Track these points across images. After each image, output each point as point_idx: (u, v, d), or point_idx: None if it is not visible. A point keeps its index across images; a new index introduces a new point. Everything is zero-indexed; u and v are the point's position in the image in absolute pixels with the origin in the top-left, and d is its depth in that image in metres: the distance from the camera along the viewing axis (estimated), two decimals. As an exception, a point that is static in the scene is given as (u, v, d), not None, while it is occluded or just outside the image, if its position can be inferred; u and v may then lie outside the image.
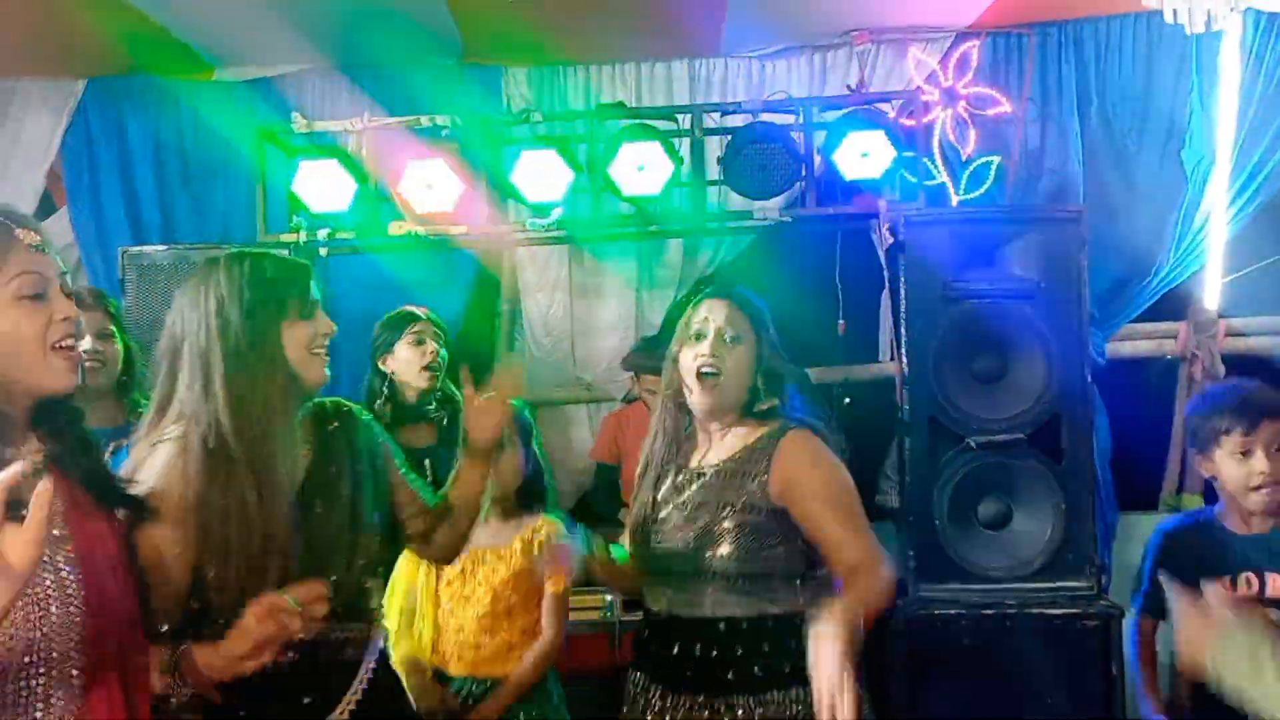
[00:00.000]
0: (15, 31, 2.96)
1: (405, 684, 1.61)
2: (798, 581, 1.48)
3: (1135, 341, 3.32)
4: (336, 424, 1.38)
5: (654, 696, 1.48)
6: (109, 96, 3.29)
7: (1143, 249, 3.06)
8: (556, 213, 2.61)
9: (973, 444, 2.36)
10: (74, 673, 1.00)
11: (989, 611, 2.32)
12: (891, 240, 2.46)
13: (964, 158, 2.82)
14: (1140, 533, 3.31)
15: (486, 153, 2.62)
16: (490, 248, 3.06)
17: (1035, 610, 2.31)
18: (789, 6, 2.96)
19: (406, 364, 2.28)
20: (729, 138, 2.60)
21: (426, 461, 2.16)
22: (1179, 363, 3.36)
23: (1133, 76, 3.07)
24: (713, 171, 2.63)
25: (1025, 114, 3.05)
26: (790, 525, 1.46)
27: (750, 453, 1.49)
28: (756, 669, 1.42)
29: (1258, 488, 1.74)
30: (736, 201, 2.75)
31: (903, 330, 2.40)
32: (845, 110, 2.59)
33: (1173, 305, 3.26)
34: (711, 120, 2.69)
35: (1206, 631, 1.17)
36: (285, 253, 2.21)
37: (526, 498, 1.98)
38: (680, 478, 1.53)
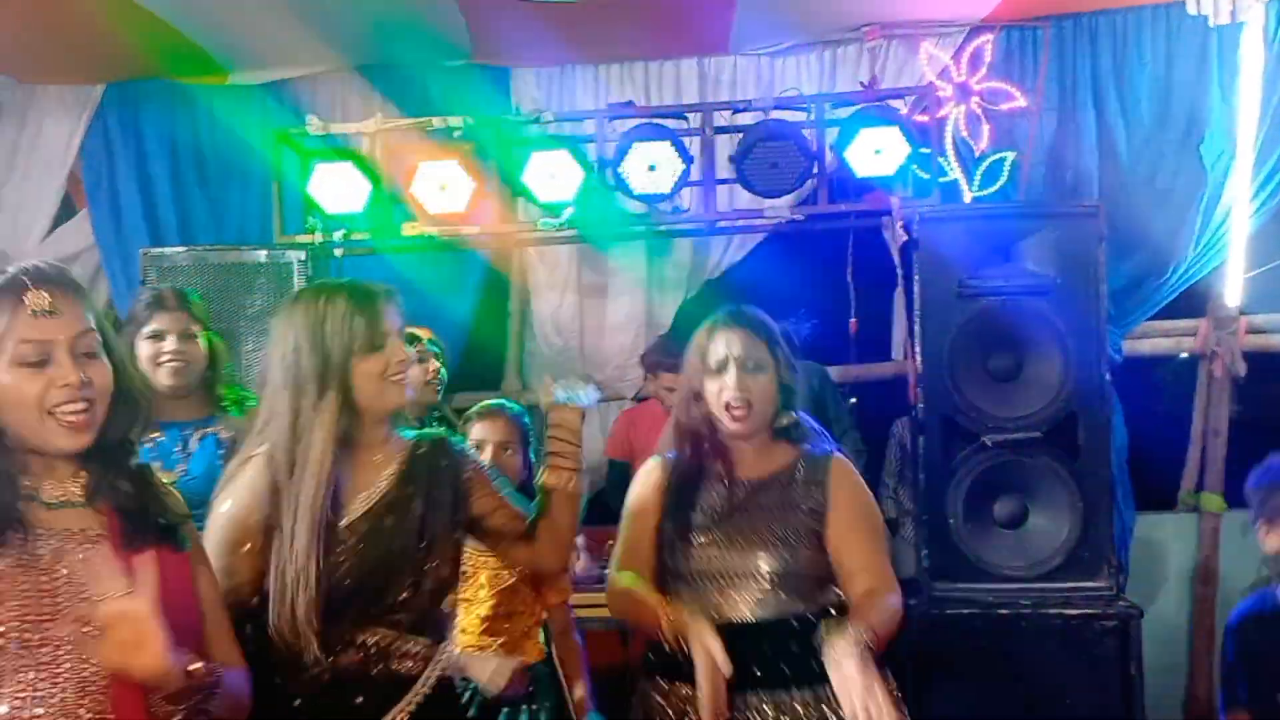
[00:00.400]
0: (35, 37, 3.01)
1: None
2: (828, 583, 1.53)
3: (1153, 339, 3.27)
4: (423, 450, 1.42)
5: (683, 691, 1.48)
6: (127, 100, 3.33)
7: (1161, 245, 3.02)
8: (567, 212, 2.62)
9: (988, 442, 2.34)
10: (92, 694, 1.02)
11: (1004, 611, 2.30)
12: (905, 237, 2.44)
13: (978, 154, 2.79)
14: (1158, 532, 3.30)
15: (498, 153, 2.63)
16: (501, 248, 3.07)
17: (1051, 610, 2.29)
18: (799, 3, 2.95)
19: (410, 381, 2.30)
20: (740, 136, 2.59)
21: None
22: (1198, 361, 3.31)
23: (1151, 69, 3.02)
24: (723, 170, 2.62)
25: (1040, 108, 3.02)
26: (823, 536, 1.52)
27: (794, 473, 1.54)
28: (786, 667, 1.46)
29: None
30: (746, 199, 2.75)
31: (916, 328, 2.39)
32: (857, 107, 2.57)
33: (1192, 302, 3.21)
34: (722, 118, 2.68)
35: None
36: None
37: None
38: (716, 493, 1.55)
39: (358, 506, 1.35)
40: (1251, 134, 2.92)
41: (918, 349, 2.39)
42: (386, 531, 1.34)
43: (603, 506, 2.60)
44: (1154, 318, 3.16)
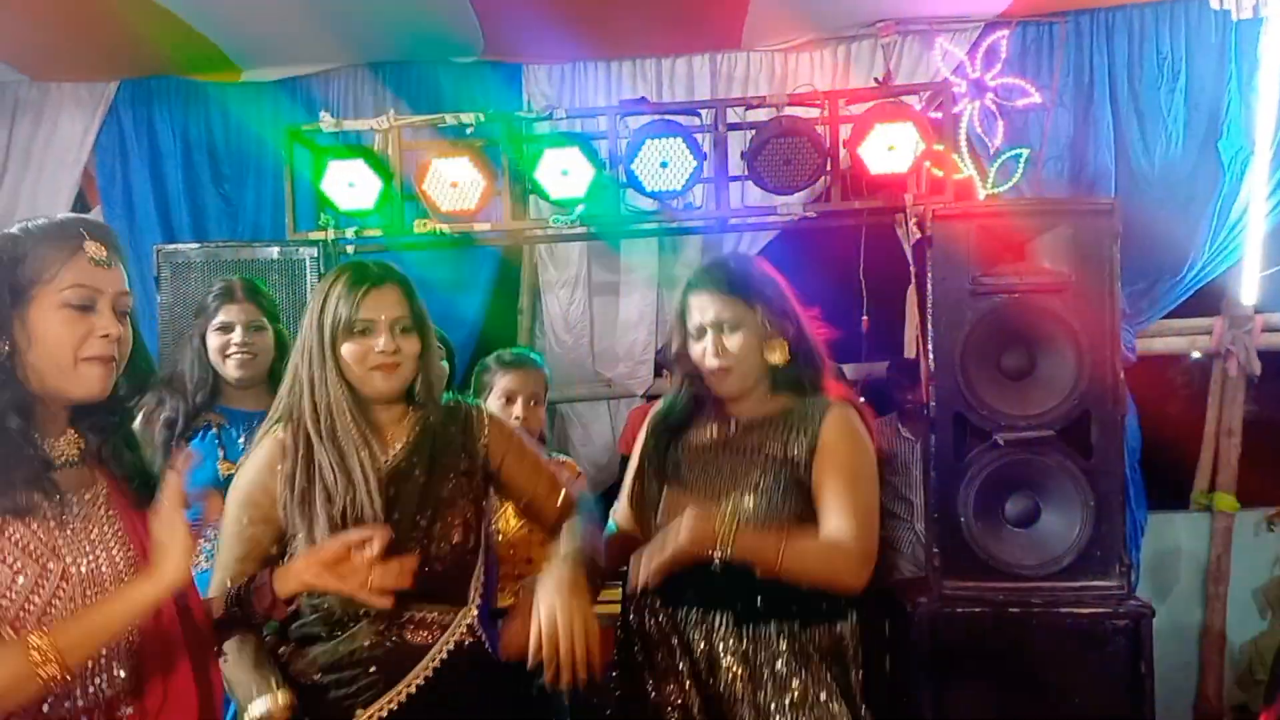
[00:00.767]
0: (49, 34, 3.03)
1: None
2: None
3: (1167, 338, 3.25)
4: (432, 419, 1.44)
5: (671, 612, 1.51)
6: (140, 98, 3.35)
7: (1177, 242, 3.00)
8: (579, 210, 2.62)
9: (1000, 441, 2.33)
10: (130, 647, 1.07)
11: (1014, 610, 2.29)
12: (918, 235, 2.43)
13: (992, 150, 2.77)
14: (1170, 531, 3.28)
15: (510, 150, 2.63)
16: (512, 244, 3.08)
17: (1062, 609, 2.29)
18: (812, -2, 2.94)
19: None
20: (752, 132, 2.58)
21: None
22: (1213, 360, 3.29)
23: (1169, 65, 2.99)
24: (736, 167, 2.61)
25: (1055, 105, 3.00)
26: (809, 485, 1.53)
27: (791, 414, 1.54)
28: (758, 604, 1.47)
29: None
30: (758, 196, 2.74)
31: (929, 326, 2.38)
32: (871, 103, 2.56)
33: (1207, 300, 3.19)
34: (734, 115, 2.67)
35: None
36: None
37: None
38: (707, 430, 1.56)
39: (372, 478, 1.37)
40: (1270, 131, 2.90)
41: (930, 347, 2.38)
42: (391, 502, 1.36)
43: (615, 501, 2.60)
44: (1168, 316, 3.14)
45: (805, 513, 1.49)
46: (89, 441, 1.11)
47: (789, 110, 2.59)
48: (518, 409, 1.95)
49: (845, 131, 2.54)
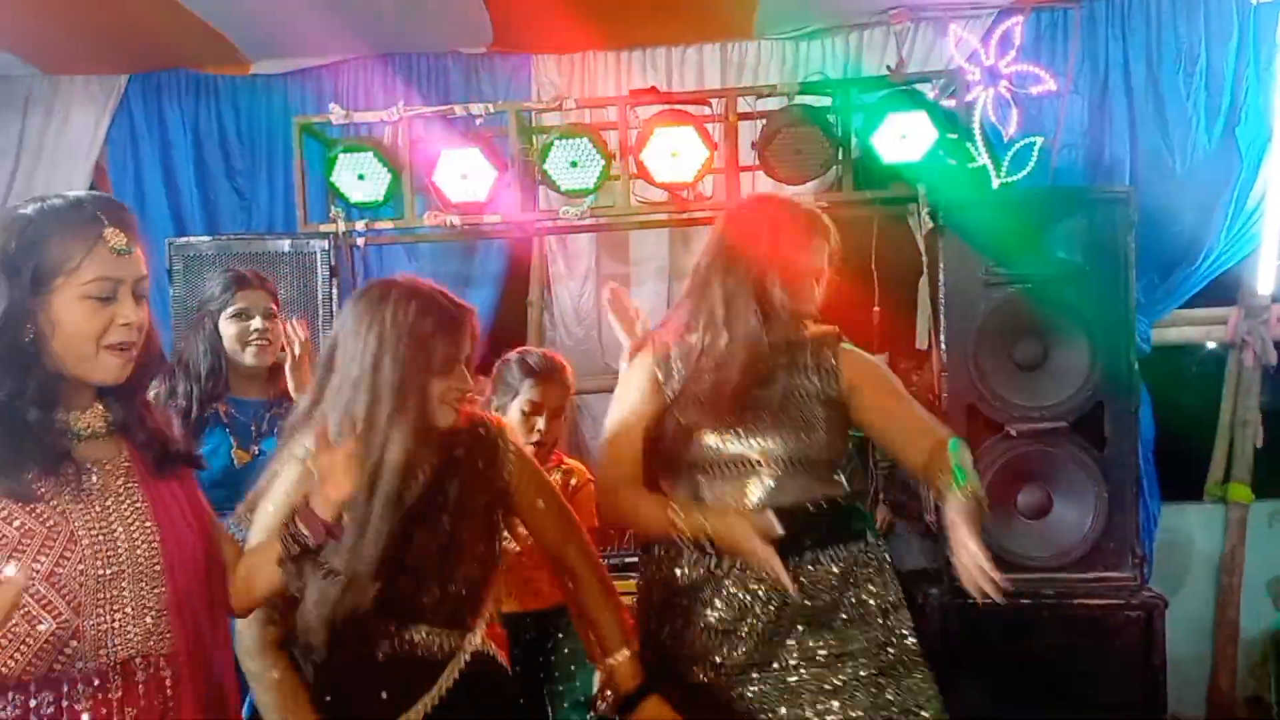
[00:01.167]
0: (59, 27, 3.03)
1: None
2: (840, 468, 1.60)
3: (1182, 328, 3.22)
4: (461, 452, 1.40)
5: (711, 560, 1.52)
6: (150, 91, 3.36)
7: (1192, 231, 2.96)
8: (588, 200, 2.61)
9: (1013, 432, 2.32)
10: (151, 611, 1.10)
11: (1027, 601, 2.29)
12: (931, 224, 2.41)
13: (1006, 138, 2.74)
14: (1183, 522, 3.26)
15: (519, 141, 2.62)
16: (522, 236, 3.07)
17: (1075, 600, 2.29)
18: (824, -15, 2.91)
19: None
20: (763, 122, 2.57)
21: None
22: (1227, 350, 3.26)
23: (1185, 51, 2.95)
24: (746, 157, 2.60)
25: (1070, 92, 2.96)
26: (841, 418, 1.57)
27: (801, 358, 1.56)
28: (810, 541, 1.52)
29: None
30: (768, 186, 2.73)
31: (941, 317, 2.37)
32: (883, 91, 2.54)
33: (1223, 290, 3.15)
34: (745, 104, 2.65)
35: None
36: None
37: None
38: (736, 382, 1.54)
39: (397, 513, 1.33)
40: (1289, 118, 2.86)
41: (942, 338, 2.37)
42: (412, 539, 1.34)
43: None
44: (1183, 306, 3.11)
45: (832, 446, 1.56)
46: (115, 413, 1.13)
47: (800, 99, 2.57)
48: (541, 423, 1.91)
49: (857, 120, 2.52)
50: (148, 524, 1.11)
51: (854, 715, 1.49)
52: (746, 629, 1.51)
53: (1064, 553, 2.33)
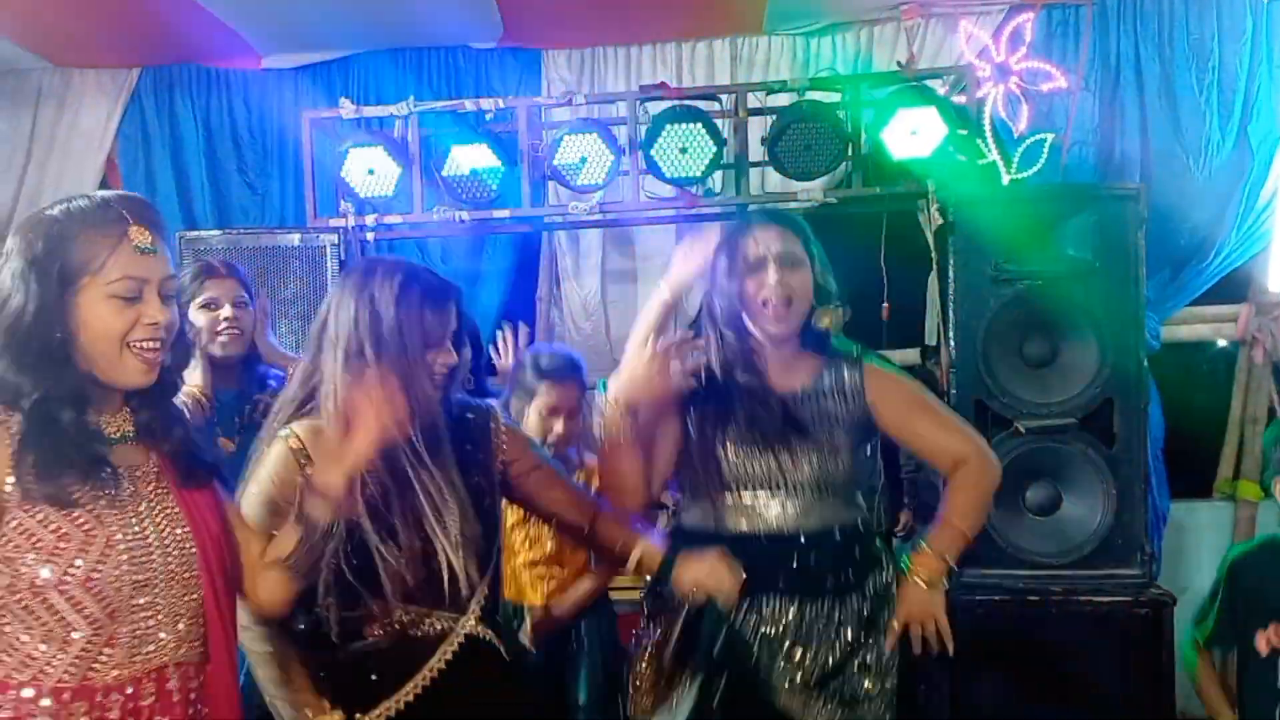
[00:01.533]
0: (71, 21, 3.05)
1: None
2: (867, 492, 1.62)
3: (1192, 325, 3.22)
4: (449, 432, 1.39)
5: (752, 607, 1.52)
6: (162, 85, 3.37)
7: (1203, 228, 2.95)
8: (597, 196, 2.61)
9: (1021, 429, 2.32)
10: (184, 618, 1.11)
11: (1034, 597, 2.29)
12: (940, 221, 2.41)
13: (1016, 135, 2.74)
14: (1193, 521, 3.26)
15: (528, 136, 2.63)
16: (531, 231, 3.08)
17: (1082, 597, 2.28)
18: (834, -19, 2.91)
19: None
20: (773, 118, 2.56)
21: None
22: (1237, 347, 3.25)
23: (1197, 48, 2.94)
24: (756, 152, 2.60)
25: (1081, 89, 2.95)
26: (864, 438, 1.57)
27: (826, 383, 1.55)
28: (832, 578, 1.52)
29: None
30: (778, 182, 2.72)
31: (950, 313, 2.37)
32: (894, 87, 2.53)
33: (1233, 287, 3.14)
34: (755, 100, 2.65)
35: None
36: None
37: None
38: (751, 404, 1.53)
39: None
40: (1301, 115, 2.84)
41: (951, 334, 2.37)
42: (400, 517, 1.33)
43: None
44: (1194, 303, 3.10)
45: (859, 469, 1.56)
46: (141, 418, 1.13)
47: (810, 95, 2.56)
48: (559, 425, 1.91)
49: (867, 116, 2.52)
50: (179, 531, 1.12)
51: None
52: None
53: (1072, 549, 2.32)
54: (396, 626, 1.34)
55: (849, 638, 1.52)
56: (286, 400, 1.39)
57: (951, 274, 2.37)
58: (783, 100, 2.60)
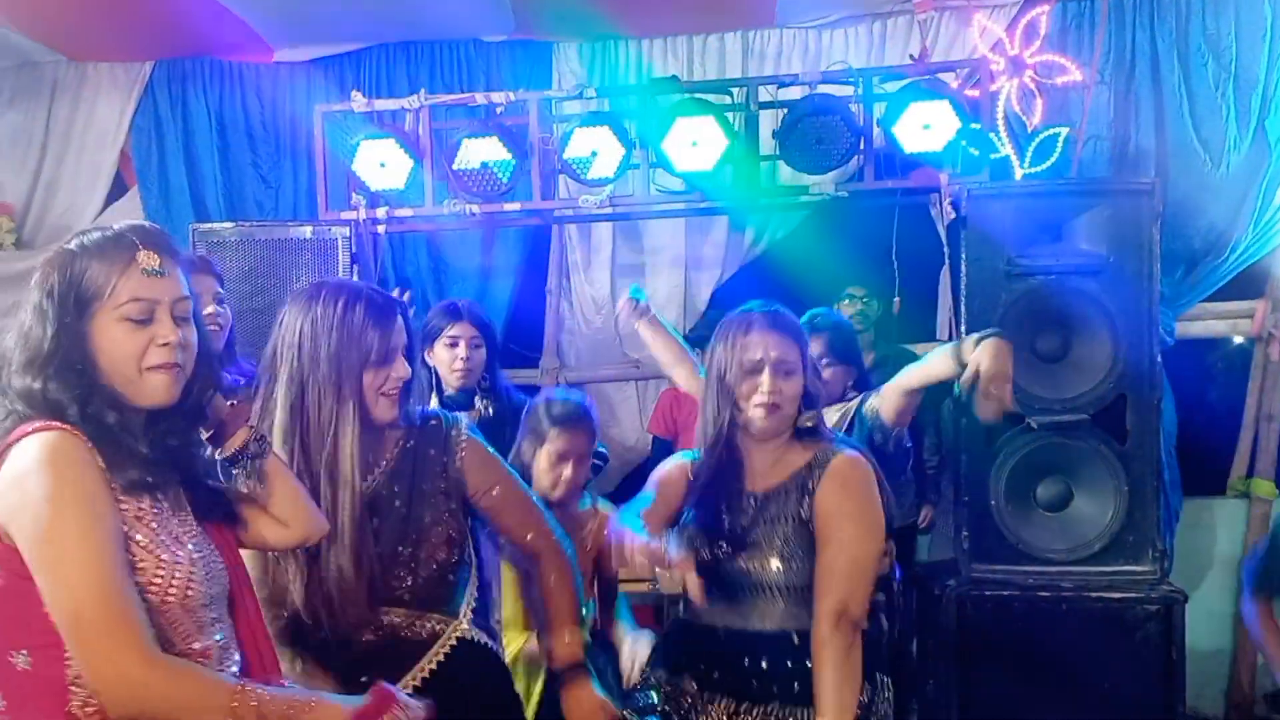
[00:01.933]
0: (85, 15, 3.07)
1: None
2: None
3: (1207, 321, 3.19)
4: (411, 443, 1.43)
5: (687, 697, 1.56)
6: (175, 78, 3.39)
7: (1219, 224, 2.93)
8: (608, 189, 2.61)
9: (1033, 424, 2.31)
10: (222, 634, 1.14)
11: (1044, 594, 2.28)
12: (952, 215, 2.40)
13: (1030, 129, 2.72)
14: (1207, 519, 3.24)
15: (540, 130, 2.63)
16: (542, 224, 3.09)
17: (1093, 593, 2.27)
18: (847, -27, 2.89)
19: (442, 363, 2.34)
20: (784, 111, 2.55)
21: None
22: (1253, 344, 3.22)
23: (1214, 43, 2.91)
24: (767, 146, 2.59)
25: (1095, 83, 2.93)
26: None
27: (800, 472, 1.56)
28: (797, 683, 1.50)
29: None
30: (789, 176, 2.72)
31: (962, 308, 2.35)
32: (906, 81, 2.52)
33: (1249, 283, 3.11)
34: (766, 93, 2.64)
35: None
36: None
37: None
38: (740, 500, 1.58)
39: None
40: (1320, 109, 2.81)
41: (963, 329, 2.35)
42: (374, 529, 1.36)
43: (643, 481, 2.62)
44: (1209, 299, 3.08)
45: (814, 558, 1.52)
46: (163, 444, 1.14)
47: (822, 88, 2.55)
48: (568, 471, 1.92)
49: (879, 110, 2.50)
50: (205, 549, 1.14)
51: None
52: None
53: (1082, 546, 2.31)
54: (386, 630, 1.36)
55: None
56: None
57: (964, 268, 2.35)
58: (794, 94, 2.59)
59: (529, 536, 1.49)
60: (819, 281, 2.87)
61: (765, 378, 1.53)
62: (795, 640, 1.50)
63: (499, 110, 2.65)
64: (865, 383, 2.23)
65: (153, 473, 1.08)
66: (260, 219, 3.16)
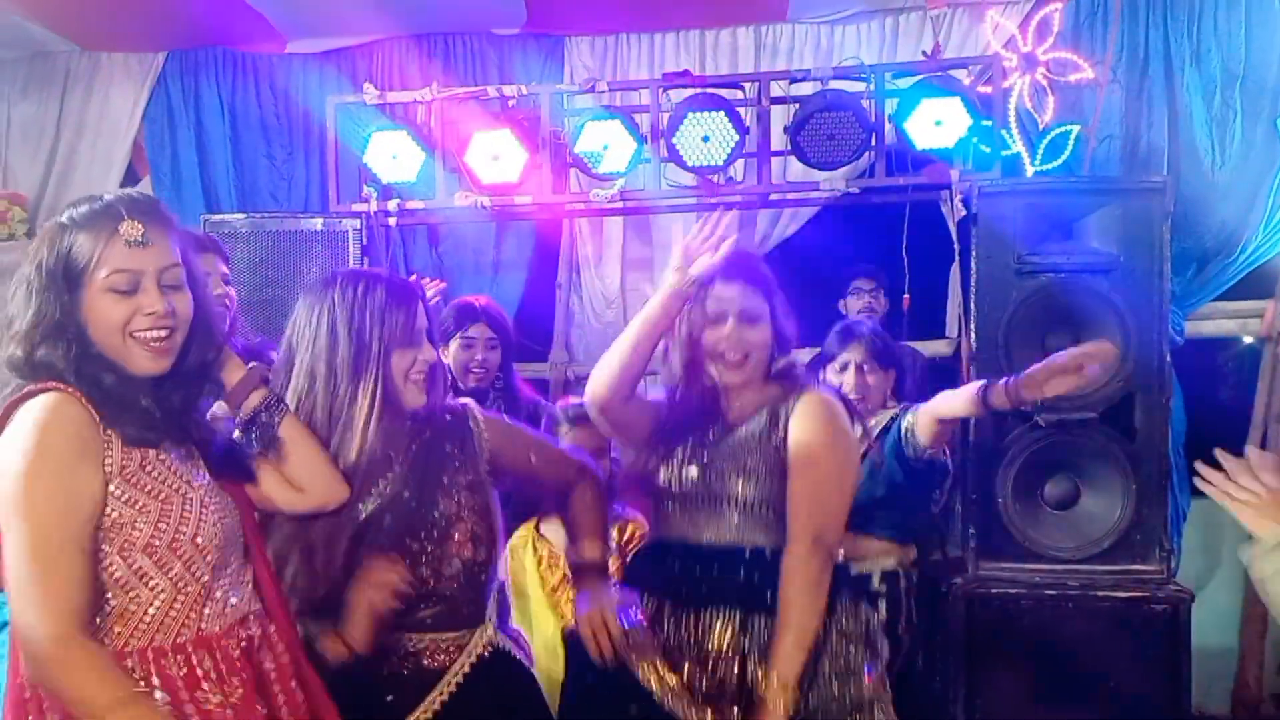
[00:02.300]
0: (98, 5, 3.08)
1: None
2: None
3: (1217, 320, 3.18)
4: (427, 435, 1.39)
5: (666, 612, 1.55)
6: (188, 68, 3.40)
7: (1230, 223, 2.92)
8: (619, 184, 2.62)
9: (1041, 422, 2.31)
10: (241, 585, 1.19)
11: (1051, 592, 2.28)
12: (963, 212, 2.40)
13: (1042, 126, 2.71)
14: (1215, 518, 3.23)
15: (551, 123, 2.63)
16: (552, 219, 3.09)
17: (1100, 592, 2.27)
18: (860, -31, 2.88)
19: (456, 362, 2.34)
20: (796, 107, 2.56)
21: None
22: (1263, 344, 3.21)
23: (1227, 40, 2.89)
24: (778, 142, 2.59)
25: (1108, 80, 2.92)
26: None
27: (773, 403, 1.57)
28: (739, 593, 1.51)
29: None
30: (800, 172, 2.72)
31: (972, 305, 2.35)
32: (918, 77, 2.51)
33: (1259, 283, 3.10)
34: (778, 89, 2.64)
35: None
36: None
37: None
38: (709, 435, 1.58)
39: (370, 502, 1.34)
40: (1333, 108, 2.80)
41: (973, 326, 2.35)
42: (389, 530, 1.34)
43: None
44: (1219, 298, 3.07)
45: (785, 495, 1.53)
46: (166, 403, 1.15)
47: (834, 84, 2.55)
48: None
49: (891, 106, 2.50)
50: (218, 499, 1.16)
51: None
52: None
53: (1090, 544, 2.31)
54: (411, 653, 1.34)
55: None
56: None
57: (974, 265, 2.35)
58: (806, 89, 2.59)
59: (571, 474, 1.52)
60: (829, 277, 2.88)
61: (729, 328, 1.53)
62: (748, 554, 1.51)
63: (511, 103, 2.66)
64: (902, 385, 2.26)
65: (156, 427, 1.11)
66: (273, 209, 3.17)
